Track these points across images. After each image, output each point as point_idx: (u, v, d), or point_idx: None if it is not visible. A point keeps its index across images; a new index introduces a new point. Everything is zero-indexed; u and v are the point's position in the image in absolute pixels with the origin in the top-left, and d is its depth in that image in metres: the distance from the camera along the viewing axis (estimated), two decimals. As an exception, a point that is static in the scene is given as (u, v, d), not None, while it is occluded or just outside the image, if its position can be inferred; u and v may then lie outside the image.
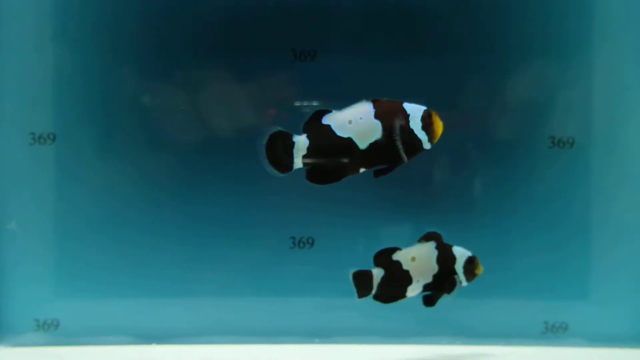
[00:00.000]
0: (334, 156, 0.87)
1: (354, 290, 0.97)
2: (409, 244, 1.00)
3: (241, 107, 1.19)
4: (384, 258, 0.99)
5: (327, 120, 0.88)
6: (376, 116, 0.87)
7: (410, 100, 0.89)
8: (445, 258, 0.99)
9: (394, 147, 0.86)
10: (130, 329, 1.19)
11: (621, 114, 1.17)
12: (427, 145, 0.88)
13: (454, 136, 1.04)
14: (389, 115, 0.87)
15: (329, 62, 1.15)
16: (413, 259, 0.98)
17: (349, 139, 0.87)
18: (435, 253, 0.99)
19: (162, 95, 1.18)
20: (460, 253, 1.00)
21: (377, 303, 0.98)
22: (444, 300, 1.00)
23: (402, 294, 0.99)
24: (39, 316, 1.18)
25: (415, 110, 0.88)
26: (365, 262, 0.99)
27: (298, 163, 0.88)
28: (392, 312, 1.00)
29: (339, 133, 0.87)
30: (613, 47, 1.17)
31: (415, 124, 0.87)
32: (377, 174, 0.89)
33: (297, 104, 1.16)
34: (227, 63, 1.18)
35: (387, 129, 0.87)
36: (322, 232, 1.17)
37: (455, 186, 1.20)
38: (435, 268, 0.98)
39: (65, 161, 1.17)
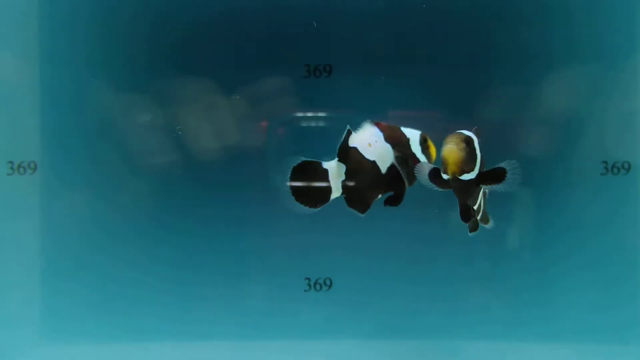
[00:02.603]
0: (366, 181, 0.85)
1: None
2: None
3: (248, 132, 1.07)
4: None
5: (351, 142, 0.85)
6: (386, 139, 0.86)
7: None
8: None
9: (399, 172, 0.86)
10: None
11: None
12: None
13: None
14: (396, 139, 0.86)
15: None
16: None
17: (375, 162, 0.86)
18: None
19: (155, 118, 1.07)
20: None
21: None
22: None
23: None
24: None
25: (413, 135, 0.87)
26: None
27: (336, 191, 0.85)
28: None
29: (367, 156, 0.85)
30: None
31: (416, 148, 0.87)
32: (387, 202, 0.88)
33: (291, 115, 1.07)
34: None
35: (397, 154, 0.86)
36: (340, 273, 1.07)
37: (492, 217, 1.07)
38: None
39: (47, 192, 1.07)
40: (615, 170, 1.04)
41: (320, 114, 1.07)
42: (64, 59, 1.07)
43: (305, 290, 1.06)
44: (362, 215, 0.87)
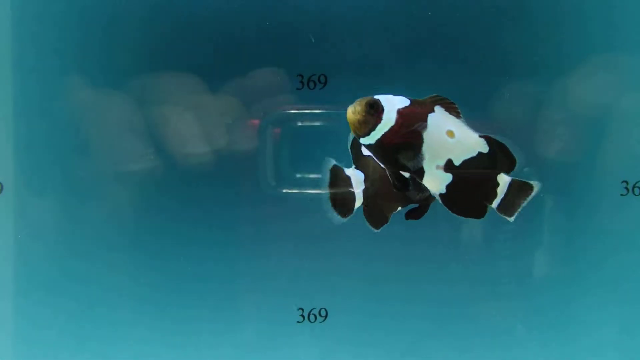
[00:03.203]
0: (384, 191, 0.83)
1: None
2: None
3: (240, 144, 0.99)
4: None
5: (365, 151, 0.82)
6: None
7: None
8: None
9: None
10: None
11: None
12: None
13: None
14: None
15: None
16: None
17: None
18: None
19: (134, 135, 0.99)
20: None
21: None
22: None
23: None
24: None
25: None
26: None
27: (359, 199, 0.84)
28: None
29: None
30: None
31: None
32: (409, 215, 0.85)
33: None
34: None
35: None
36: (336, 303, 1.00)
37: (506, 244, 1.00)
38: None
39: (14, 213, 1.00)
40: (636, 190, 0.96)
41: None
42: (26, 82, 0.99)
43: (299, 322, 0.99)
44: (375, 231, 0.84)
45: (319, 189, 0.88)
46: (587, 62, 0.97)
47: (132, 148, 0.98)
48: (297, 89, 0.95)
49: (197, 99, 0.96)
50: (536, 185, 0.80)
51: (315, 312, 0.99)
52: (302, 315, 0.99)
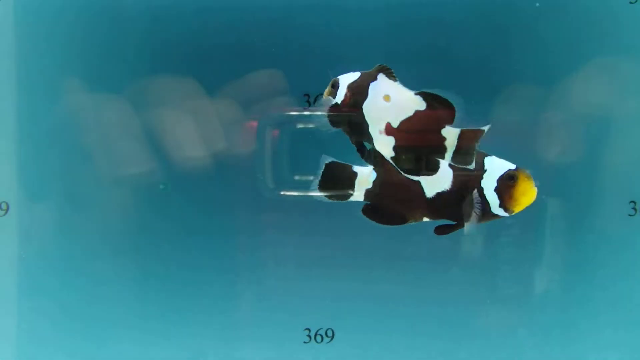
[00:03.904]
0: (399, 198, 0.84)
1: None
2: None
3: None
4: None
5: None
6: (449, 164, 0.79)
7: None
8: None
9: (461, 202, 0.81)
10: None
11: None
12: (497, 211, 0.80)
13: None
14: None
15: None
16: None
17: (418, 183, 0.82)
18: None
19: (133, 139, 0.98)
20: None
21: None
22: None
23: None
24: None
25: (496, 167, 0.80)
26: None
27: (359, 196, 0.85)
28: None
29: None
30: None
31: (489, 182, 0.80)
32: (437, 230, 0.84)
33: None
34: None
35: (457, 181, 0.81)
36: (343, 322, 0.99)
37: (511, 262, 0.99)
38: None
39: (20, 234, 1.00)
40: None
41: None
42: (35, 101, 0.99)
43: (305, 342, 0.98)
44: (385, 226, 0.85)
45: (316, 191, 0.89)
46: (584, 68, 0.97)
47: (131, 152, 0.97)
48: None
49: (195, 103, 0.96)
50: (487, 127, 0.77)
51: (322, 332, 0.98)
52: (309, 336, 0.98)
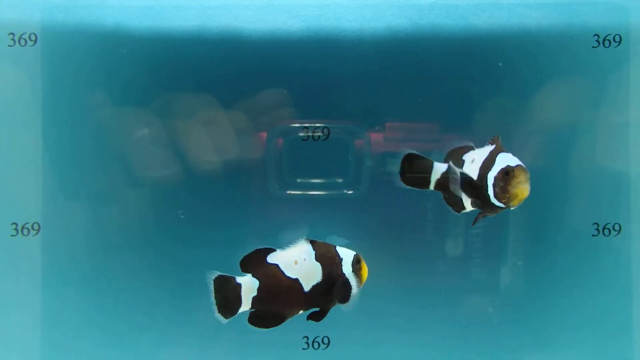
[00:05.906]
0: (282, 298, 0.88)
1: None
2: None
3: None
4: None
5: (272, 259, 0.89)
6: (317, 258, 0.89)
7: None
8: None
9: (329, 290, 0.89)
10: None
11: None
12: (356, 289, 0.90)
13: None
14: (328, 259, 0.89)
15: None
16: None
17: (297, 280, 0.88)
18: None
19: (158, 146, 1.07)
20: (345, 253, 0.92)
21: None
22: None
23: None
24: None
25: (347, 255, 0.90)
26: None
27: (246, 305, 0.88)
28: None
29: (288, 274, 0.88)
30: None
31: (347, 268, 0.89)
32: (310, 317, 0.91)
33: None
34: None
35: (326, 273, 0.89)
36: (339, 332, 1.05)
37: (488, 280, 1.08)
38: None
39: (51, 254, 1.06)
40: (606, 232, 1.05)
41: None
42: (65, 125, 1.07)
43: (304, 349, 1.05)
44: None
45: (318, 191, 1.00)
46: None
47: (156, 157, 1.06)
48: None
49: (212, 115, 1.06)
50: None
51: (319, 339, 1.04)
52: (307, 343, 1.04)
